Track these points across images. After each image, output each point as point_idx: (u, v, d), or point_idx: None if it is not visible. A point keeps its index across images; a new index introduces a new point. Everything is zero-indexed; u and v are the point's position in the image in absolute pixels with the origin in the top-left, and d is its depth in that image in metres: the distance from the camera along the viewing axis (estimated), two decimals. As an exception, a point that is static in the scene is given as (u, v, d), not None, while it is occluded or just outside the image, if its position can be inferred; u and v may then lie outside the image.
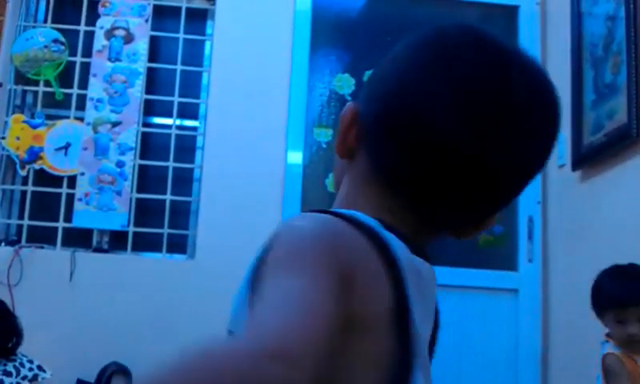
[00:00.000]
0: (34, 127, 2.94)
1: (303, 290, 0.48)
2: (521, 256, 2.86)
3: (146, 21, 3.07)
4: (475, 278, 2.83)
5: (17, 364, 2.37)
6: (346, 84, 3.03)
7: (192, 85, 3.09)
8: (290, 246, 0.54)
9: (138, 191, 2.94)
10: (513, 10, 3.12)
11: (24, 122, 2.95)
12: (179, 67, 3.07)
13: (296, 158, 2.94)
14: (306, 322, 0.45)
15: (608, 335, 1.89)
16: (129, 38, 3.05)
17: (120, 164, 2.91)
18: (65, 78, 3.03)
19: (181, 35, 3.10)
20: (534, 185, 2.82)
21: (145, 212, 2.94)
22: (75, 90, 3.01)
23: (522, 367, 2.76)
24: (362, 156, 0.66)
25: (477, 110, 0.60)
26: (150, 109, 3.07)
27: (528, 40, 3.02)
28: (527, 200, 2.87)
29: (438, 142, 0.60)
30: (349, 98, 3.00)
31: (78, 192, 2.88)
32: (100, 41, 3.04)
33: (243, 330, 0.46)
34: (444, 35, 0.64)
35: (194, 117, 3.09)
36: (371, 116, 0.65)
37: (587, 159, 2.55)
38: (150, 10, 3.08)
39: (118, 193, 2.89)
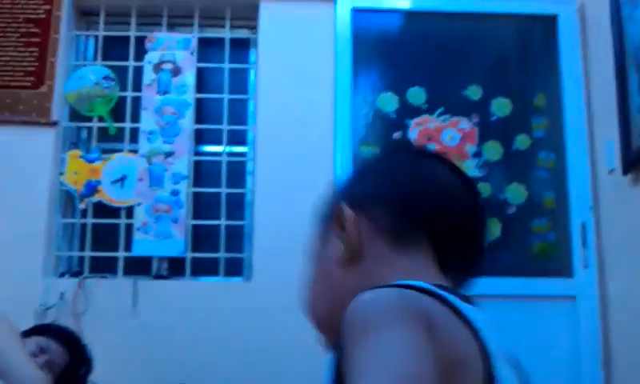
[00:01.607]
0: (91, 161, 3.04)
1: (401, 359, 0.49)
2: (576, 262, 2.85)
3: (192, 53, 3.17)
4: (531, 286, 2.83)
5: (88, 391, 2.43)
6: (389, 102, 3.08)
7: (239, 112, 3.17)
8: (370, 314, 0.55)
9: (194, 218, 3.01)
10: (552, 20, 3.12)
11: (80, 157, 3.05)
12: (226, 96, 3.16)
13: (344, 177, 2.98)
14: None
15: None
16: (176, 71, 3.15)
17: (175, 192, 3.00)
18: (117, 113, 3.13)
19: (226, 65, 3.19)
20: (584, 191, 2.84)
21: (201, 238, 3.01)
22: (128, 124, 3.11)
23: (584, 375, 2.74)
24: (373, 246, 0.73)
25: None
26: (200, 138, 3.15)
27: (568, 48, 3.04)
28: (579, 206, 2.87)
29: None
30: (394, 116, 3.04)
31: (136, 222, 2.97)
32: (149, 75, 3.14)
33: None
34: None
35: (243, 143, 3.17)
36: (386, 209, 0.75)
37: (637, 163, 2.54)
38: (194, 42, 3.18)
39: (175, 220, 2.96)
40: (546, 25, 3.15)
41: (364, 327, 0.53)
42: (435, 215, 0.74)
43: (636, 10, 2.57)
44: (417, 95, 3.06)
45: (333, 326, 0.68)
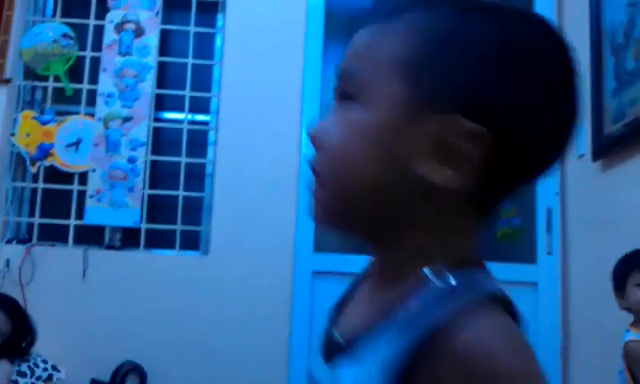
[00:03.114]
0: (44, 123, 2.91)
1: None
2: (539, 248, 2.81)
3: (156, 14, 3.03)
4: (494, 271, 2.77)
5: (31, 364, 2.34)
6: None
7: (203, 79, 3.05)
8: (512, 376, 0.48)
9: (151, 187, 2.90)
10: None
11: (34, 118, 2.91)
12: (190, 61, 3.03)
13: (310, 153, 2.89)
14: None
15: (632, 325, 1.88)
16: (139, 32, 3.01)
17: (132, 160, 2.87)
18: (74, 73, 2.99)
19: (192, 28, 3.06)
20: (552, 176, 2.79)
21: (157, 208, 2.90)
22: (85, 85, 2.97)
23: (542, 360, 2.70)
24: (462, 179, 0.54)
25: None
26: (161, 103, 3.02)
27: (545, 29, 2.96)
28: (545, 192, 2.81)
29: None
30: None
31: (90, 189, 2.84)
32: (110, 35, 3.00)
33: None
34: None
35: (206, 111, 3.05)
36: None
37: (608, 149, 2.49)
38: (160, 2, 3.03)
39: (130, 189, 2.85)
40: (522, 3, 3.05)
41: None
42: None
43: (615, -8, 2.50)
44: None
45: (359, 222, 0.59)
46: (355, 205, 0.57)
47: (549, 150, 0.57)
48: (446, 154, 0.53)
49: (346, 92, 0.58)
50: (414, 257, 0.56)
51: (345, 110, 0.58)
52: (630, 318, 1.92)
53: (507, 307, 0.54)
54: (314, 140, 0.61)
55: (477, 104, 0.53)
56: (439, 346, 0.49)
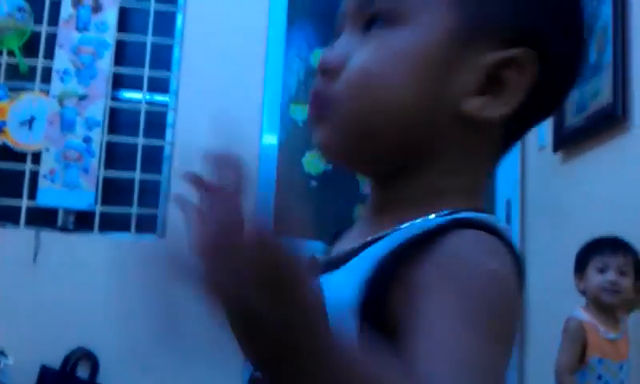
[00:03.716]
0: (-4, 100, 2.81)
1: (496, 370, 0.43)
2: (499, 239, 2.81)
3: (116, -11, 2.94)
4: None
5: (-23, 349, 2.28)
6: (323, 59, 2.93)
7: (162, 58, 2.97)
8: (491, 302, 0.45)
9: (106, 168, 2.82)
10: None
11: (-15, 94, 2.81)
12: (150, 39, 2.95)
13: (271, 136, 2.85)
14: None
15: (583, 307, 1.97)
16: (97, 8, 2.91)
17: (87, 139, 2.79)
18: (29, 49, 2.88)
19: (151, 5, 2.97)
20: (512, 167, 2.78)
21: (112, 191, 2.83)
22: (40, 62, 2.87)
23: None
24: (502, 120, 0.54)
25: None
26: (118, 82, 2.94)
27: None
28: (505, 182, 2.81)
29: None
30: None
31: (43, 169, 2.75)
32: (67, 10, 2.90)
33: (415, 363, 0.40)
34: None
35: (165, 91, 2.97)
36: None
37: (569, 141, 2.50)
38: (119, -22, 2.95)
39: (85, 170, 2.77)
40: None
41: (482, 312, 0.44)
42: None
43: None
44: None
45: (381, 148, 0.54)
46: (377, 132, 0.53)
47: (571, 78, 0.58)
48: (496, 86, 0.52)
49: (381, 13, 0.53)
50: (424, 194, 0.54)
51: (376, 34, 0.53)
52: (583, 302, 2.00)
53: (509, 247, 0.50)
54: (329, 64, 0.55)
55: (526, 33, 0.53)
56: (421, 250, 0.47)
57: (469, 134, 0.53)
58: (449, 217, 0.50)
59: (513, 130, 0.56)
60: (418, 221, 0.51)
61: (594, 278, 1.92)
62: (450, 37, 0.52)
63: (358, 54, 0.53)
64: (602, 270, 1.91)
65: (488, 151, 0.56)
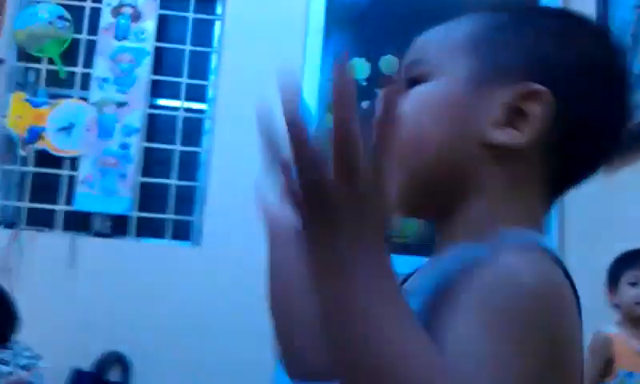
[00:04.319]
0: (36, 106, 2.84)
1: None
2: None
3: (155, -1, 2.96)
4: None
5: (13, 352, 2.27)
6: (361, 69, 2.92)
7: (200, 66, 2.98)
8: (515, 312, 0.46)
9: (143, 175, 2.82)
10: (533, 0, 3.00)
11: (26, 100, 2.84)
12: (188, 48, 2.96)
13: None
14: None
15: (617, 322, 1.97)
16: (136, 16, 2.94)
17: (124, 146, 2.80)
18: (69, 56, 2.92)
19: (190, 14, 2.99)
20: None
21: (149, 196, 2.83)
22: (80, 69, 2.90)
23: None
24: (532, 150, 0.58)
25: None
26: (156, 90, 2.95)
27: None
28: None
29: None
30: (364, 83, 2.88)
31: (80, 174, 2.77)
32: (107, 18, 2.93)
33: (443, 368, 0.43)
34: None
35: (202, 99, 2.98)
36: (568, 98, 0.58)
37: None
38: (158, -13, 2.97)
39: (122, 176, 2.78)
40: (528, 3, 3.00)
41: (504, 324, 0.46)
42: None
43: (624, -6, 2.44)
44: (390, 64, 2.90)
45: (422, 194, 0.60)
46: (431, 181, 0.59)
47: (605, 134, 0.61)
48: (520, 118, 0.57)
49: (413, 78, 0.61)
50: (478, 225, 0.57)
51: (412, 92, 0.60)
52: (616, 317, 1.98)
53: (560, 266, 0.53)
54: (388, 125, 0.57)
55: (539, 71, 0.58)
56: (472, 270, 0.49)
57: (505, 164, 0.57)
58: (497, 242, 0.52)
59: (557, 161, 0.59)
60: (471, 246, 0.54)
61: (627, 293, 1.92)
62: (469, 80, 0.58)
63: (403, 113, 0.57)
64: (634, 284, 1.91)
65: (530, 177, 0.58)
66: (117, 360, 2.55)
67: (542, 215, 0.60)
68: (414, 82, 0.61)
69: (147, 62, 2.89)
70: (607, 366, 1.91)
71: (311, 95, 2.85)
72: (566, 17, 0.64)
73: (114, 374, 2.56)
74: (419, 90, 0.60)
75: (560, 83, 0.57)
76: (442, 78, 0.59)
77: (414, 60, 0.62)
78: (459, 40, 0.61)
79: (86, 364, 2.54)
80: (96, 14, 2.93)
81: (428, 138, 0.58)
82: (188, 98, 2.95)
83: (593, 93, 0.59)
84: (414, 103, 0.58)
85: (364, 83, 2.88)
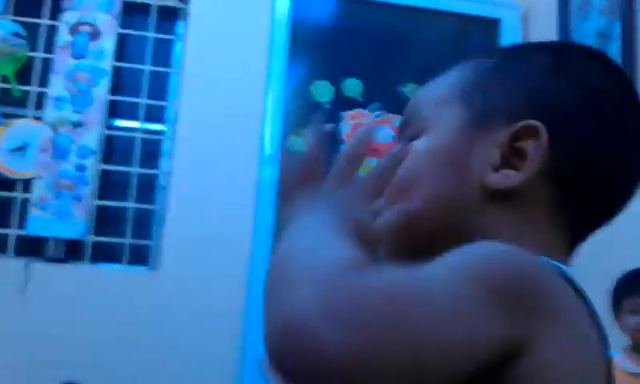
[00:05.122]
0: (-12, 126, 2.75)
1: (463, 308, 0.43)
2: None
3: (114, 17, 2.90)
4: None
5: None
6: (324, 91, 2.90)
7: (159, 87, 2.93)
8: (472, 263, 0.46)
9: (99, 198, 2.76)
10: (493, 23, 3.03)
11: (-23, 119, 2.75)
12: (147, 67, 2.91)
13: (270, 168, 2.80)
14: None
15: (624, 348, 1.96)
16: (95, 35, 2.87)
17: (80, 168, 2.73)
18: (24, 75, 2.84)
19: (150, 34, 2.94)
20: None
21: (105, 220, 2.76)
22: (35, 88, 2.82)
23: None
24: (534, 187, 0.57)
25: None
26: (114, 110, 2.89)
27: (511, 54, 2.94)
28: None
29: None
30: (327, 106, 2.87)
31: (34, 197, 2.68)
32: (64, 36, 2.86)
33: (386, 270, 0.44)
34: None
35: (161, 120, 2.92)
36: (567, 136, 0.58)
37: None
38: (118, 5, 2.91)
39: (77, 199, 2.70)
40: (488, 28, 3.04)
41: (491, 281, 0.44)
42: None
43: (585, 22, 2.48)
44: (353, 87, 2.90)
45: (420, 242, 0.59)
46: (424, 226, 0.59)
47: (606, 158, 0.59)
48: (511, 156, 0.57)
49: (409, 135, 0.62)
50: None
51: (411, 146, 0.61)
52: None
53: (570, 282, 0.51)
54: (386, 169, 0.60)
55: (530, 107, 0.57)
56: None
57: (508, 204, 0.57)
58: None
59: (565, 191, 0.57)
60: None
61: (628, 320, 1.93)
62: (461, 127, 0.59)
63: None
64: (634, 311, 1.92)
65: (535, 212, 0.57)
66: (72, 390, 2.47)
67: (557, 247, 0.57)
68: (412, 138, 0.62)
69: (105, 82, 2.83)
70: None
71: (273, 119, 2.83)
72: (556, 49, 0.63)
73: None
74: (418, 143, 0.60)
75: (553, 114, 0.57)
76: (434, 131, 0.60)
77: (405, 121, 0.64)
78: (447, 90, 0.62)
79: (40, 395, 2.45)
80: (53, 31, 2.86)
81: (423, 187, 0.59)
82: (147, 119, 2.89)
83: (590, 118, 0.58)
84: (411, 156, 0.59)
85: (327, 106, 2.87)
